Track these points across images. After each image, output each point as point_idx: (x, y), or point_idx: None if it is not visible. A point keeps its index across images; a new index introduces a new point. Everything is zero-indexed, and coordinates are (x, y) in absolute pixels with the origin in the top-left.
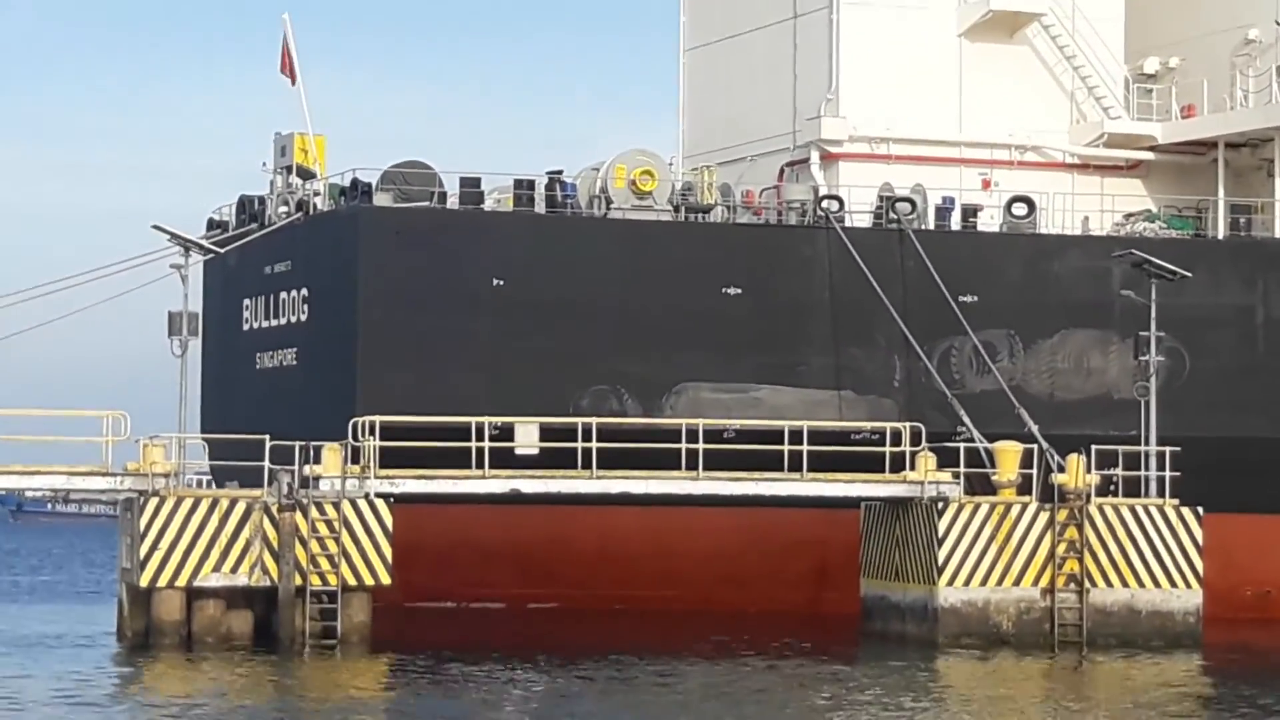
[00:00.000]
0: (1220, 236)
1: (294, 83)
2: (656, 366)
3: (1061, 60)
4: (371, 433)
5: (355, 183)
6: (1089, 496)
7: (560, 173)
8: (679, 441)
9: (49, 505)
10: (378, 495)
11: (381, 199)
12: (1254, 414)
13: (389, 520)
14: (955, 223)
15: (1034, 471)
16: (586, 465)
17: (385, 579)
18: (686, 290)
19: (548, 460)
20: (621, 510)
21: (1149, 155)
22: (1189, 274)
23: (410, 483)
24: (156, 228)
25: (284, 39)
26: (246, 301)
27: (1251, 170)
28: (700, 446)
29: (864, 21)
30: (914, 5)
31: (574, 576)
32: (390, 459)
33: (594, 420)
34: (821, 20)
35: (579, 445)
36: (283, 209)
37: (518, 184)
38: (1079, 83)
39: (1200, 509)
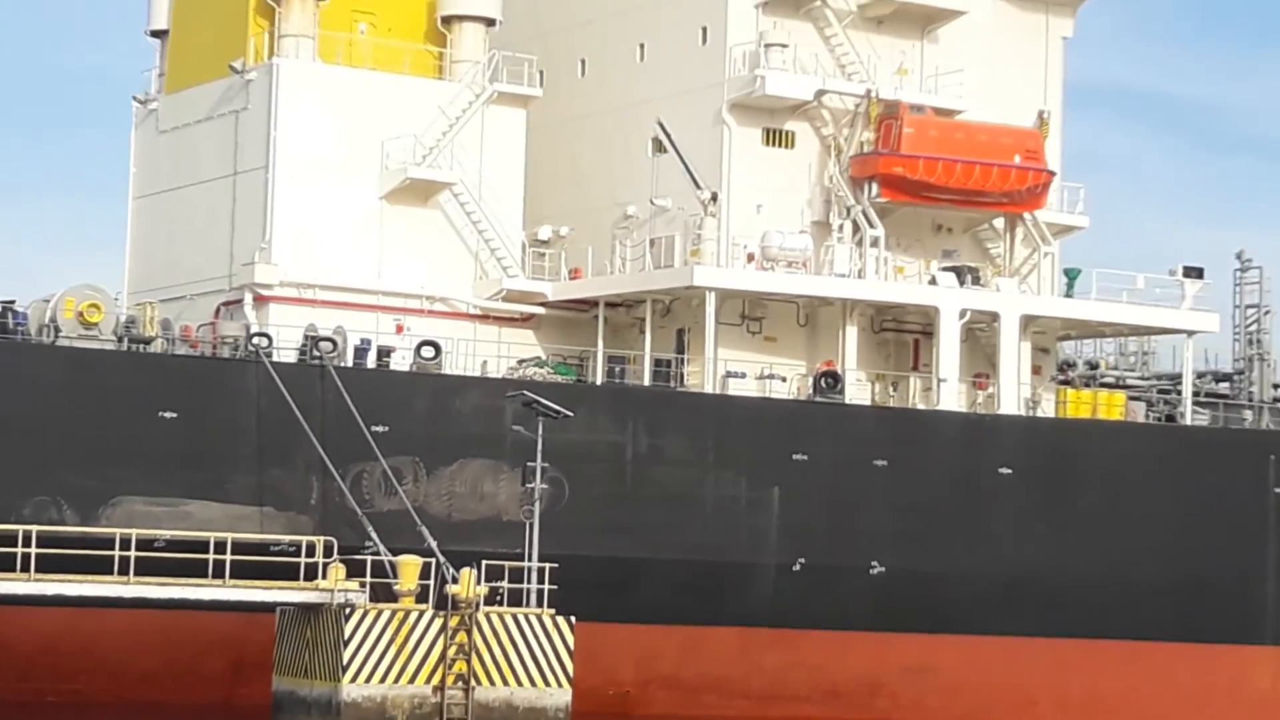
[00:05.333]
0: (598, 382)
1: None
2: (95, 480)
3: (469, 224)
4: None
5: None
6: (478, 605)
7: (13, 302)
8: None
9: None
10: None
11: None
12: (622, 536)
13: None
14: (371, 361)
15: (431, 582)
16: (26, 569)
17: None
18: (126, 412)
19: None
20: (59, 611)
21: (540, 310)
22: (571, 413)
23: None
24: None
25: None
26: None
27: (626, 327)
28: (133, 554)
29: (296, 181)
30: (342, 169)
31: (10, 671)
32: None
33: (35, 528)
34: (258, 179)
35: (18, 550)
36: None
37: None
38: (483, 244)
39: (573, 618)
